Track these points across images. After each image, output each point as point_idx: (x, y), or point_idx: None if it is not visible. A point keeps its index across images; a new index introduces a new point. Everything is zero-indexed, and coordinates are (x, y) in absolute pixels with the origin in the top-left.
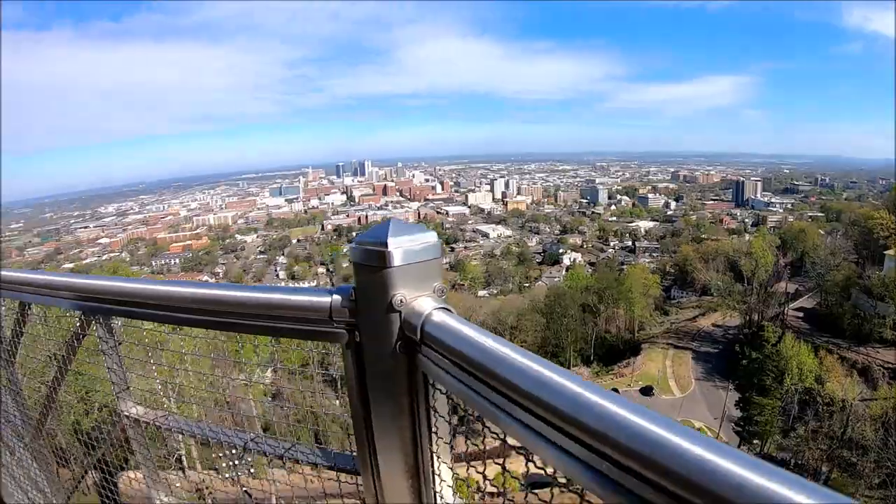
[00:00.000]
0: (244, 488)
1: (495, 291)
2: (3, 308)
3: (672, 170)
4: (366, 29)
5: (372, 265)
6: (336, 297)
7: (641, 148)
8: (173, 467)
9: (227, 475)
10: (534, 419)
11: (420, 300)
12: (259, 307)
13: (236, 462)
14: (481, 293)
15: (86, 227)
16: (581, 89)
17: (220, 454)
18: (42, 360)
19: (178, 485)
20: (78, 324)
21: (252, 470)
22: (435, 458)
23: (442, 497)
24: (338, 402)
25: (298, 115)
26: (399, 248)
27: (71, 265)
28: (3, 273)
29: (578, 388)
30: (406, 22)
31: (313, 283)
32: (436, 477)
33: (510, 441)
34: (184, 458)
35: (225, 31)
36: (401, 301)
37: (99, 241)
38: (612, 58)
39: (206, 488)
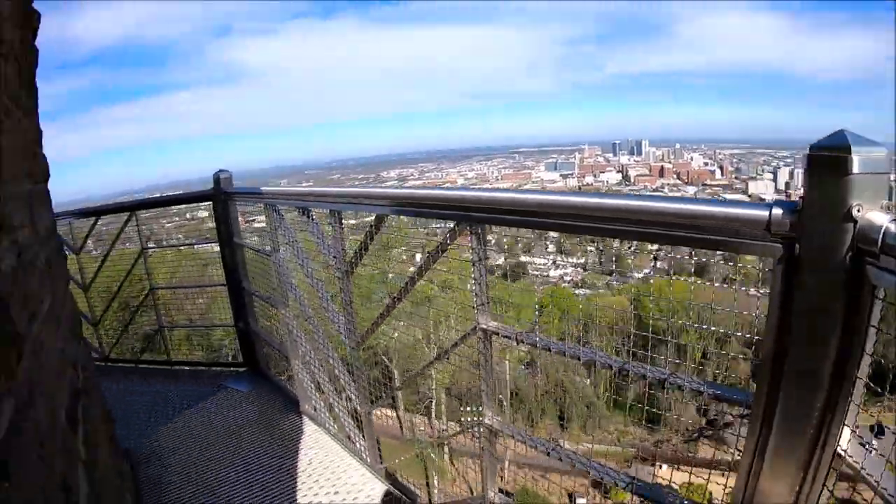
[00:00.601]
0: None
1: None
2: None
3: None
4: (643, 4)
5: (828, 172)
6: (777, 209)
7: None
8: (421, 412)
9: (467, 429)
10: None
11: (873, 213)
12: (681, 217)
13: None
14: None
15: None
16: (880, 67)
17: (466, 408)
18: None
19: (421, 428)
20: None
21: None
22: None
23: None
24: (588, 381)
25: (575, 92)
26: (859, 155)
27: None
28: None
29: None
30: None
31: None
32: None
33: None
34: (433, 407)
35: (499, 11)
36: (857, 210)
37: None
38: None
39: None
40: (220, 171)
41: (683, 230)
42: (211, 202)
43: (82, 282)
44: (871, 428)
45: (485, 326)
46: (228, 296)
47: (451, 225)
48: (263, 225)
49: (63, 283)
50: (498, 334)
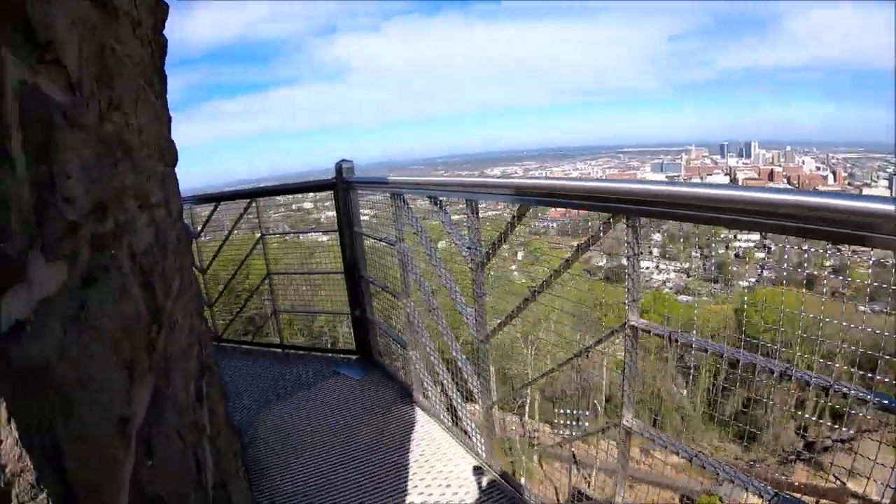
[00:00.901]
0: (572, 449)
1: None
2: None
3: None
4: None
5: None
6: None
7: None
8: (515, 411)
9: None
10: None
11: None
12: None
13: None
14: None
15: None
16: None
17: (561, 410)
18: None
19: (512, 428)
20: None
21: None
22: None
23: None
24: (685, 391)
25: (683, 90)
26: None
27: None
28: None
29: None
30: None
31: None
32: None
33: None
34: (526, 406)
35: (601, 8)
36: None
37: None
38: None
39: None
40: (343, 160)
41: (824, 224)
42: (332, 191)
43: (201, 264)
44: None
45: (635, 323)
46: (346, 283)
47: (606, 217)
48: (367, 218)
49: (189, 263)
50: (650, 332)
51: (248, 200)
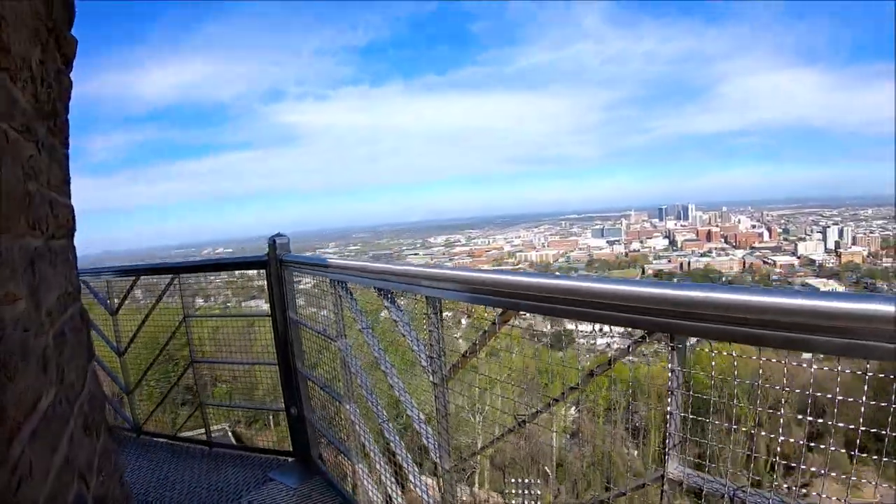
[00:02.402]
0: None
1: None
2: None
3: None
4: (684, 66)
5: None
6: None
7: None
8: (465, 481)
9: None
10: None
11: None
12: (780, 313)
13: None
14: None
15: (416, 254)
16: None
17: (513, 479)
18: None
19: (463, 498)
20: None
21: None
22: None
23: None
24: (636, 452)
25: (620, 157)
26: None
27: None
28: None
29: None
30: (724, 56)
31: None
32: None
33: None
34: (476, 475)
35: (542, 78)
36: None
37: None
38: None
39: None
40: (277, 234)
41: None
42: (264, 270)
43: (118, 345)
44: None
45: (675, 475)
46: (279, 376)
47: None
48: (311, 286)
49: (82, 362)
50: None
51: (170, 276)
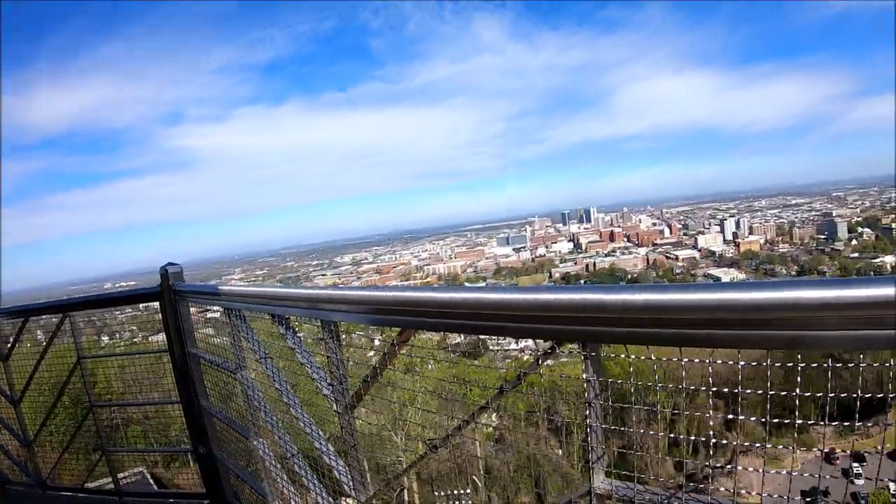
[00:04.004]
0: None
1: None
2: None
3: None
4: (580, 76)
5: None
6: None
7: (881, 171)
8: (394, 501)
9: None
10: None
11: None
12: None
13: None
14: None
15: (323, 275)
16: (809, 113)
17: (442, 493)
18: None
19: None
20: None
21: None
22: None
23: None
24: (560, 451)
25: (521, 167)
26: None
27: None
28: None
29: None
30: (619, 64)
31: None
32: None
33: None
34: (405, 492)
35: (443, 92)
36: None
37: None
38: (840, 72)
39: None
40: (169, 264)
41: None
42: (157, 302)
43: (11, 394)
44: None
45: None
46: (183, 416)
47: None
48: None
49: None
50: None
51: (59, 315)
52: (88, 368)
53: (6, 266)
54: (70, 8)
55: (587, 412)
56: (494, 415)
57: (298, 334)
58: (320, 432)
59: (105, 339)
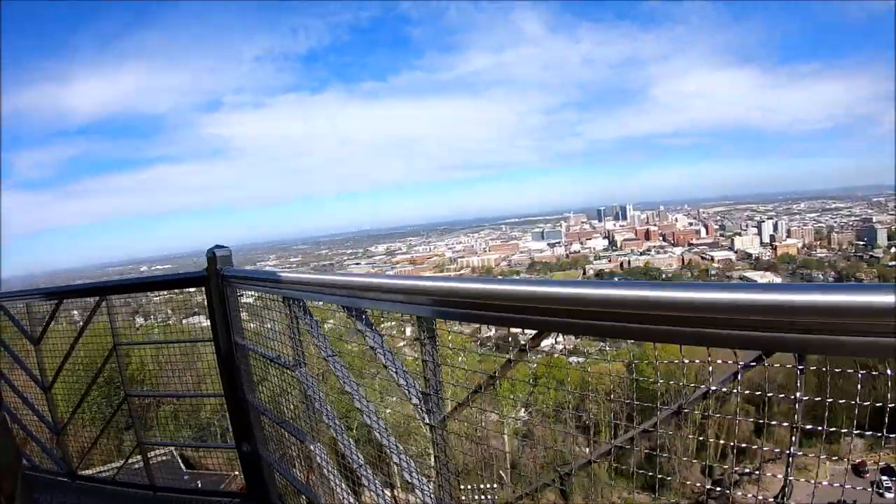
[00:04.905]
0: None
1: None
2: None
3: None
4: (620, 70)
5: None
6: None
7: None
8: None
9: None
10: None
11: None
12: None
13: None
14: None
15: (357, 264)
16: (852, 115)
17: (465, 486)
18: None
19: None
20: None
21: None
22: None
23: None
24: (588, 449)
25: (558, 160)
26: None
27: None
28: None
29: None
30: (660, 58)
31: None
32: None
33: None
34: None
35: (481, 83)
36: None
37: None
38: (884, 73)
39: None
40: (217, 246)
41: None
42: (203, 287)
43: (42, 379)
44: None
45: None
46: (227, 409)
47: None
48: (252, 300)
49: None
50: None
51: (96, 298)
52: (123, 352)
53: (41, 249)
54: None
55: None
56: (523, 410)
57: (377, 330)
58: (399, 445)
59: (140, 320)
